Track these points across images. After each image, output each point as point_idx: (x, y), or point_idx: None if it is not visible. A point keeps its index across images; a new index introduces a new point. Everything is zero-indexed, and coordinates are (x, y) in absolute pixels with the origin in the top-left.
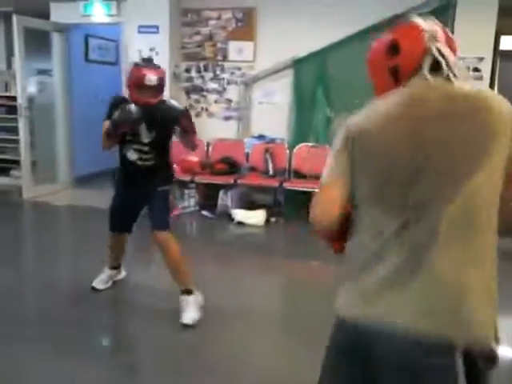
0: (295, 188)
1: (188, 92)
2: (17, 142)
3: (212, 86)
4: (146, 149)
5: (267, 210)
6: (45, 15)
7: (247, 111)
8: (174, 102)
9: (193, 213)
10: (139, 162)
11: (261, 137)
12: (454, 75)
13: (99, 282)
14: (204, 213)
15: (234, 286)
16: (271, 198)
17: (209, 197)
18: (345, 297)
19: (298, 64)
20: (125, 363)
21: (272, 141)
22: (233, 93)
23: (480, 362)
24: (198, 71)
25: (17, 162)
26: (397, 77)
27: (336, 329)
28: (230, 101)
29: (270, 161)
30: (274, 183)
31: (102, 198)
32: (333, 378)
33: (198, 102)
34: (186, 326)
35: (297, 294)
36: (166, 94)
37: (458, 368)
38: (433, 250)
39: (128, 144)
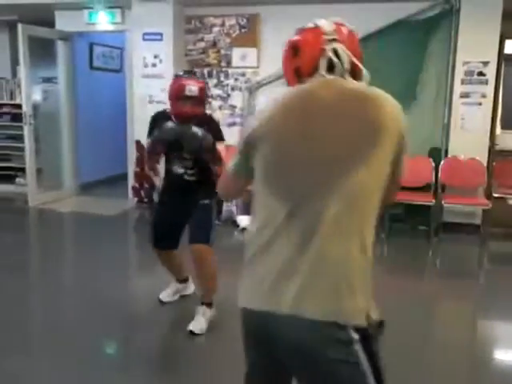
0: None
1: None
2: (22, 149)
3: (216, 92)
4: (189, 164)
5: None
6: (49, 23)
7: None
8: (197, 130)
9: None
10: (186, 177)
11: None
12: (349, 74)
13: (165, 295)
14: None
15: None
16: None
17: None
18: (242, 287)
19: None
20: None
21: None
22: (237, 99)
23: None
24: (202, 77)
25: (22, 170)
26: (299, 75)
27: (241, 320)
28: (234, 107)
29: None
30: None
31: (106, 205)
32: (249, 367)
33: None
34: (192, 333)
35: None
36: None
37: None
38: (318, 238)
39: (173, 158)
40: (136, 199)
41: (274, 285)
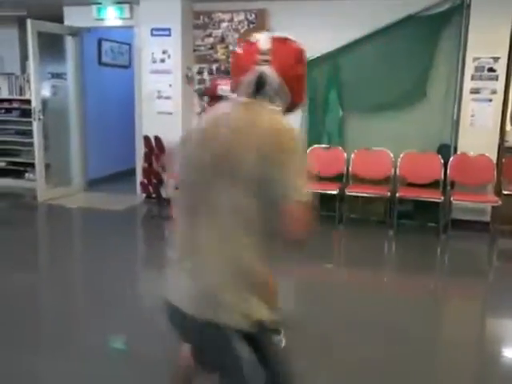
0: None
1: (201, 94)
2: (31, 145)
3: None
4: None
5: None
6: (58, 19)
7: None
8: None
9: None
10: None
11: None
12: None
13: None
14: None
15: None
16: None
17: None
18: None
19: (310, 65)
20: None
21: None
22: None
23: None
24: (211, 73)
25: (31, 165)
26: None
27: None
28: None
29: None
30: None
31: (115, 200)
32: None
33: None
34: None
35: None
36: (178, 96)
37: (232, 339)
38: (199, 240)
39: None
40: (144, 195)
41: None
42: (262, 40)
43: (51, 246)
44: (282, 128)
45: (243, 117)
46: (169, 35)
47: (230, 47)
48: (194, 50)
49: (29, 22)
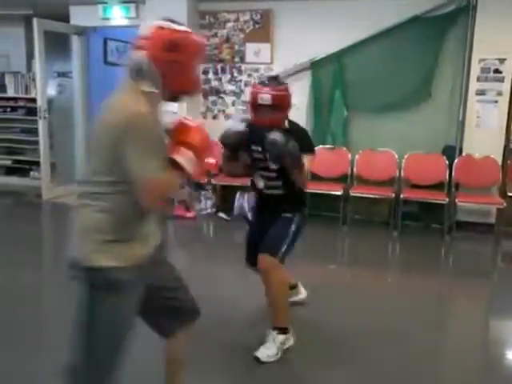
0: (313, 191)
1: (205, 94)
2: (36, 143)
3: (229, 88)
4: (273, 175)
5: None
6: (64, 18)
7: None
8: (277, 136)
9: (210, 215)
10: (266, 191)
11: None
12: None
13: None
14: (220, 215)
15: (255, 289)
16: None
17: (226, 199)
18: None
19: (315, 66)
20: None
21: None
22: None
23: None
24: (216, 73)
25: (36, 164)
26: None
27: None
28: (247, 103)
29: None
30: None
31: None
32: None
33: (215, 104)
34: (257, 360)
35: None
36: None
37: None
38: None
39: (257, 170)
40: None
41: None
42: (143, 27)
43: (54, 243)
44: (128, 112)
45: (112, 102)
46: None
47: (236, 47)
48: None
49: (35, 20)
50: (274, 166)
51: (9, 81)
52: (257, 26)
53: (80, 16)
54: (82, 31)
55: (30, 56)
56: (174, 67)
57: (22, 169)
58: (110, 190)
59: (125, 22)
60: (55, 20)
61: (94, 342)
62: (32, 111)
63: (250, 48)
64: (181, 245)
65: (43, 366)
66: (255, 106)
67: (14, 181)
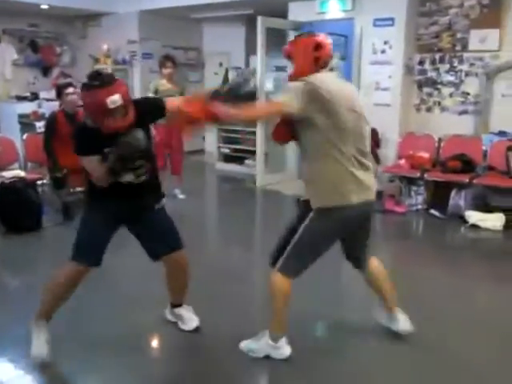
0: None
1: (420, 85)
2: (253, 134)
3: (447, 78)
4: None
5: (506, 213)
6: (281, 15)
7: (487, 105)
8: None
9: (420, 211)
10: (135, 181)
11: (502, 133)
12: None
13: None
14: (433, 212)
15: (458, 294)
16: (511, 201)
17: (438, 195)
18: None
19: None
20: None
21: None
22: (471, 85)
23: None
24: (433, 63)
25: (252, 153)
26: (318, 63)
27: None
28: (467, 94)
29: None
30: None
31: None
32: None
33: (430, 95)
34: (197, 328)
35: None
36: (397, 88)
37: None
38: None
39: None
40: None
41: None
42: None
43: (266, 227)
44: None
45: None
46: (392, 25)
47: (458, 35)
48: (417, 39)
49: (259, 18)
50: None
51: (230, 75)
52: (485, 10)
53: (297, 11)
54: (299, 26)
55: (248, 52)
56: None
57: (239, 157)
58: None
59: (340, 15)
60: (273, 17)
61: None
62: None
63: (475, 34)
64: (387, 239)
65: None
66: (105, 111)
67: (231, 168)
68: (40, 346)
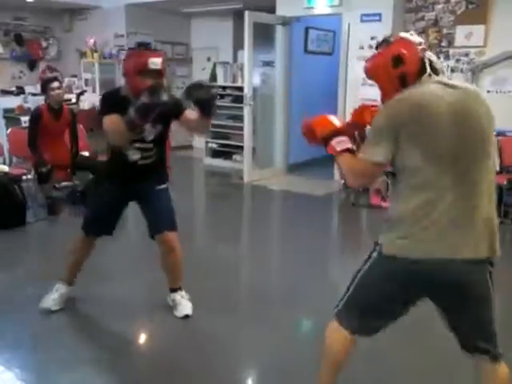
0: None
1: None
2: (240, 129)
3: None
4: (149, 146)
5: None
6: (269, 10)
7: None
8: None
9: None
10: (140, 162)
11: None
12: (443, 74)
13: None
14: None
15: None
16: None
17: None
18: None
19: None
20: None
21: (502, 133)
22: (457, 81)
23: None
24: None
25: (239, 148)
26: (405, 81)
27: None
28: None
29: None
30: (501, 180)
31: (313, 185)
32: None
33: None
34: (187, 316)
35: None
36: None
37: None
38: (479, 203)
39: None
40: (343, 181)
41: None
42: (411, 36)
43: (253, 222)
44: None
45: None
46: (379, 20)
47: (444, 31)
48: None
49: (246, 13)
50: (150, 137)
51: (219, 70)
52: (470, 6)
53: (285, 6)
54: (287, 21)
55: (236, 47)
56: None
57: (226, 152)
58: None
59: (327, 11)
60: (261, 12)
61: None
62: (238, 99)
63: (461, 30)
64: (373, 235)
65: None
66: (143, 71)
67: (219, 163)
68: (50, 301)
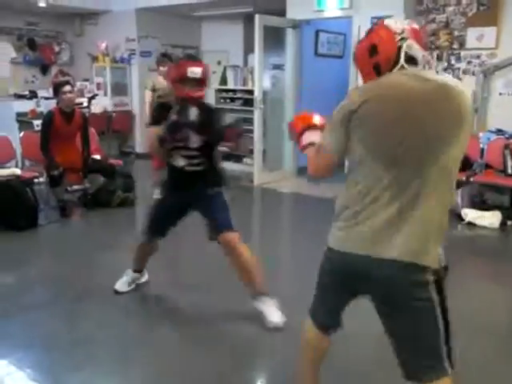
0: None
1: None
2: (250, 132)
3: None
4: (194, 154)
5: (502, 211)
6: (279, 13)
7: (484, 103)
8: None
9: None
10: (187, 168)
11: (499, 131)
12: (425, 66)
13: (122, 285)
14: None
15: (453, 292)
16: (508, 199)
17: None
18: (343, 235)
19: None
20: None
21: None
22: (468, 83)
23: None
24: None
25: (249, 151)
26: (379, 70)
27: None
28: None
29: (509, 158)
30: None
31: (323, 187)
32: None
33: None
34: (277, 327)
35: None
36: None
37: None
38: (419, 203)
39: (175, 151)
40: None
41: (379, 236)
42: (394, 23)
43: (263, 225)
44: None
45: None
46: None
47: (455, 33)
48: None
49: (257, 16)
50: (195, 145)
51: (229, 73)
52: (481, 8)
53: (295, 10)
54: (297, 24)
55: (246, 51)
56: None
57: (236, 155)
58: None
59: (337, 14)
60: (271, 15)
61: None
62: (248, 102)
63: (472, 32)
64: None
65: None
66: (183, 79)
67: (230, 166)
68: (122, 284)
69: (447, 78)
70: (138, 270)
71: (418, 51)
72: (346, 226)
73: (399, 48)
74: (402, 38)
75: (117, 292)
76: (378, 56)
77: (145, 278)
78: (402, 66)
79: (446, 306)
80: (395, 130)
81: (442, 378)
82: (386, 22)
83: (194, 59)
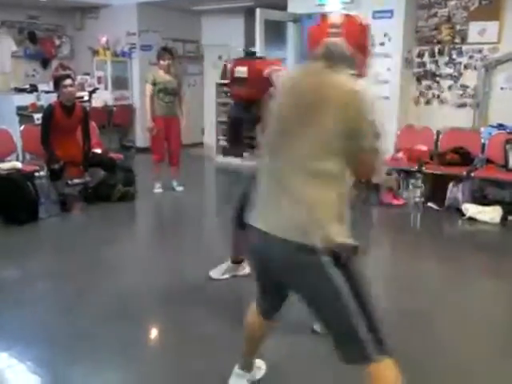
0: None
1: (419, 78)
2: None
3: (447, 71)
4: None
5: (503, 206)
6: (280, 7)
7: (486, 98)
8: None
9: (417, 204)
10: None
11: (500, 126)
12: (344, 62)
13: (216, 272)
14: (430, 205)
15: (455, 287)
16: (509, 194)
17: (436, 188)
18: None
19: None
20: None
21: None
22: (470, 78)
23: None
24: (432, 56)
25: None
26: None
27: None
28: (465, 87)
29: (510, 153)
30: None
31: None
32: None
33: (429, 88)
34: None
35: None
36: (396, 80)
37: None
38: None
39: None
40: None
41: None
42: (334, 16)
43: None
44: (357, 90)
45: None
46: (390, 17)
47: (457, 27)
48: (416, 32)
49: (258, 10)
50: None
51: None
52: (484, 2)
53: (297, 3)
54: (298, 19)
55: (247, 45)
56: (363, 51)
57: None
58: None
59: (340, 8)
60: (272, 9)
61: None
62: None
63: (474, 27)
64: (385, 232)
65: None
66: (232, 79)
67: (230, 160)
68: (216, 271)
69: (342, 80)
70: (236, 261)
71: (337, 48)
72: (254, 200)
73: (322, 43)
74: (333, 33)
75: (210, 278)
76: (308, 45)
77: (245, 270)
78: (315, 59)
79: (362, 290)
80: (281, 113)
81: (366, 363)
82: (332, 14)
83: (255, 56)
